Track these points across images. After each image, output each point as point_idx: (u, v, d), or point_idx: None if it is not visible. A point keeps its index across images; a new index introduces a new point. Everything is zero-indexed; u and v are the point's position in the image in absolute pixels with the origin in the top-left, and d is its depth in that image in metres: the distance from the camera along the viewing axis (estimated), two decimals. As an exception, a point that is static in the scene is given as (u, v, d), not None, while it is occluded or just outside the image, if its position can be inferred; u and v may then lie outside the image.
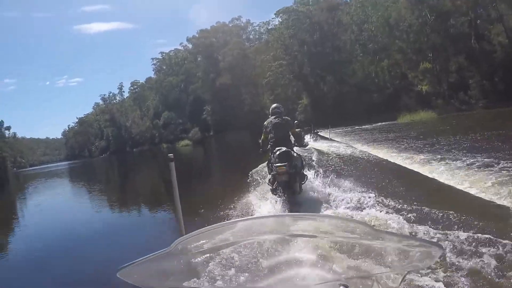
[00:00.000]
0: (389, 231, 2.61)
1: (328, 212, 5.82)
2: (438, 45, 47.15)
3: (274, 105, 7.40)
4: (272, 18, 69.69)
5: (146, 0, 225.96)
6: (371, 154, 13.36)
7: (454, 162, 8.67)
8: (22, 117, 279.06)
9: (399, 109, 43.08)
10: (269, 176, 6.87)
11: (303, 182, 6.74)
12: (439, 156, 9.86)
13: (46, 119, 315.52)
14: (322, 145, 20.94)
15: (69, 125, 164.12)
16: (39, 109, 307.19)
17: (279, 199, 6.34)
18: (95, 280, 5.37)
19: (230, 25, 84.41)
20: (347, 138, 24.18)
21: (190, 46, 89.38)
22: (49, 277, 6.37)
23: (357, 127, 35.76)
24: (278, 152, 6.47)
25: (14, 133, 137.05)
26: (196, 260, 1.58)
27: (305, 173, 7.10)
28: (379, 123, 37.39)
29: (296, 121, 20.78)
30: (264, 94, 64.22)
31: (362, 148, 16.42)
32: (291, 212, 5.71)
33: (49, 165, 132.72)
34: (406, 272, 1.36)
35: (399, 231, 4.37)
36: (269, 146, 6.97)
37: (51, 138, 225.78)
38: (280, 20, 64.47)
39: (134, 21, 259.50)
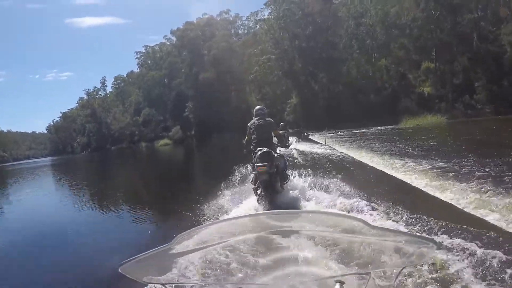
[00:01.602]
0: (385, 227, 2.36)
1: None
2: (445, 43, 42.71)
3: (258, 106, 7.58)
4: (262, 9, 63.92)
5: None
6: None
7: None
8: (9, 110, 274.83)
9: (398, 112, 39.06)
10: (252, 176, 7.03)
11: (285, 182, 6.97)
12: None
13: (34, 112, 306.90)
14: (314, 151, 17.39)
15: (53, 119, 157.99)
16: (28, 102, 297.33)
17: (260, 198, 6.40)
18: (97, 275, 5.19)
19: (218, 19, 78.95)
20: (346, 145, 18.88)
21: (174, 39, 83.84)
22: (51, 271, 5.98)
23: (354, 131, 31.37)
24: (259, 153, 6.56)
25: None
26: (196, 255, 1.73)
27: (287, 173, 7.33)
28: (379, 127, 33.15)
29: (282, 123, 21.47)
30: (252, 93, 59.56)
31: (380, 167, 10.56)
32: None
33: (28, 161, 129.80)
34: (401, 268, 1.38)
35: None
36: (252, 146, 6.98)
37: (37, 132, 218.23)
38: (270, 11, 59.11)
39: (128, 16, 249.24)
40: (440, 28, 43.74)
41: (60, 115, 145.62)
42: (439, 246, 3.40)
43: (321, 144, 21.18)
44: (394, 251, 1.36)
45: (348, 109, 44.63)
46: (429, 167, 8.69)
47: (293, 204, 6.33)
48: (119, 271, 1.29)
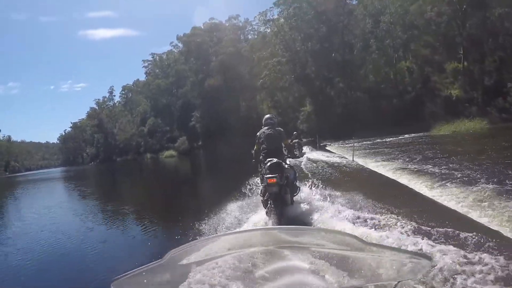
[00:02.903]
0: (379, 243, 2.32)
1: (320, 225, 5.53)
2: (473, 40, 38.52)
3: (267, 115, 7.30)
4: (271, 7, 59.08)
5: (152, 7, 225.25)
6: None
7: None
8: (24, 121, 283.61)
9: (423, 117, 35.43)
10: (261, 188, 6.74)
11: (295, 194, 6.72)
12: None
13: (48, 123, 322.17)
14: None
15: (65, 129, 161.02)
16: (42, 113, 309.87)
17: (269, 211, 6.07)
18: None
19: (227, 24, 75.35)
20: (400, 167, 11.25)
21: (181, 45, 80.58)
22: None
23: (379, 140, 27.27)
24: (269, 163, 6.31)
25: (9, 136, 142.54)
26: (189, 271, 1.68)
27: (297, 185, 7.02)
28: (406, 135, 29.02)
29: (295, 132, 20.77)
30: (263, 102, 56.25)
31: None
32: (281, 224, 5.59)
33: (36, 172, 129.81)
34: (396, 282, 1.39)
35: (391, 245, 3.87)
36: (261, 157, 6.78)
37: (50, 142, 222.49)
38: (280, 11, 54.55)
39: (140, 27, 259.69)
40: (468, 24, 39.54)
41: (71, 125, 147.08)
42: (433, 262, 3.26)
43: (346, 159, 16.30)
44: (389, 266, 1.36)
45: (368, 116, 40.43)
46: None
47: (303, 217, 6.12)
48: (111, 287, 1.27)
